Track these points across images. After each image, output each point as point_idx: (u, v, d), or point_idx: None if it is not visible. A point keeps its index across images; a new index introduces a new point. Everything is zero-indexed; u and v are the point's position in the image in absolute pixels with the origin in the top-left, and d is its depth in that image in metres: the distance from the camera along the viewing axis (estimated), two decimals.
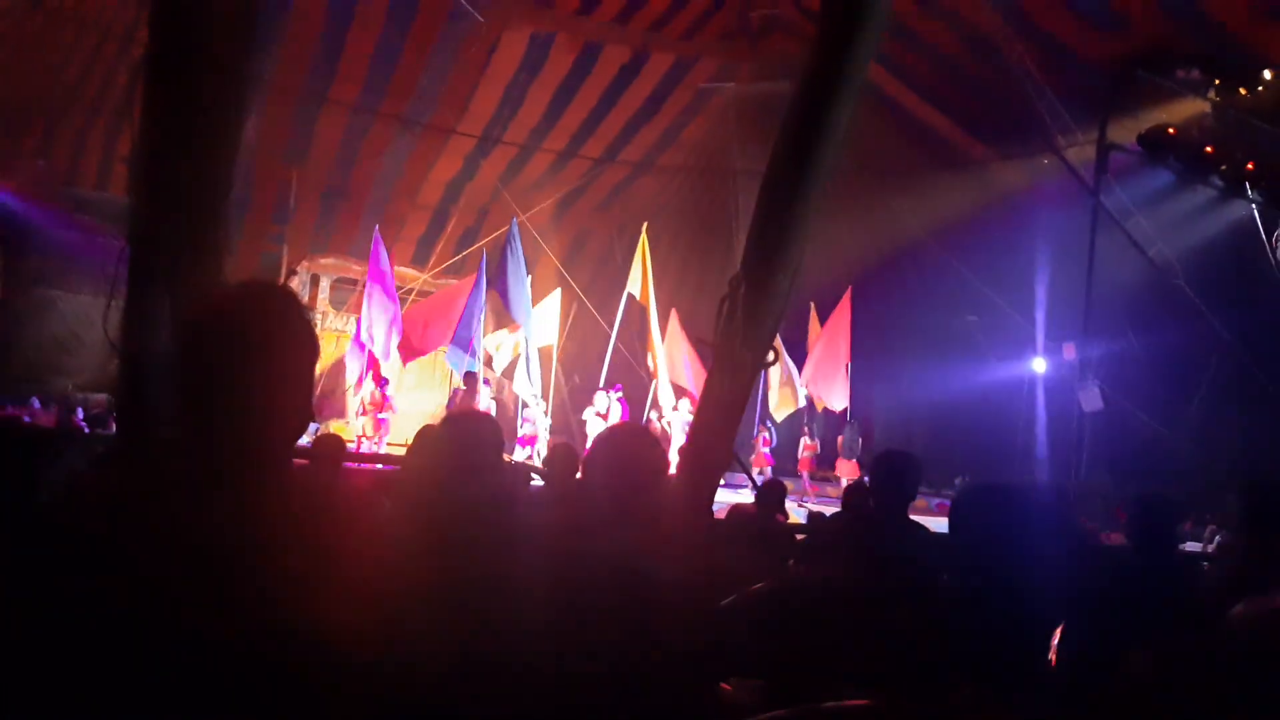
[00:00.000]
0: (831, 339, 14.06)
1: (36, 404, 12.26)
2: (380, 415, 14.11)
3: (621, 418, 14.17)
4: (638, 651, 1.76)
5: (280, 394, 1.30)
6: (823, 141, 3.80)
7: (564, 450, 4.76)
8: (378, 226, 14.05)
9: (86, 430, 9.21)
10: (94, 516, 1.24)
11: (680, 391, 14.27)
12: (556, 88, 15.27)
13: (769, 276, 3.88)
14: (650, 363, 14.09)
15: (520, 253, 13.56)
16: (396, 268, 16.66)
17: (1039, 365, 14.82)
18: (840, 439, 15.35)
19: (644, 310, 14.09)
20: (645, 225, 14.48)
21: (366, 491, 3.72)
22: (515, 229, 13.61)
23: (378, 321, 13.57)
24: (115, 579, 1.14)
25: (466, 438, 2.22)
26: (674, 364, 14.24)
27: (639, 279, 14.04)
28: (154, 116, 2.78)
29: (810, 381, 14.44)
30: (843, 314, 14.02)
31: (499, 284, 13.39)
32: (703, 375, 14.35)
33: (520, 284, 13.45)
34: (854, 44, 3.75)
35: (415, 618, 1.48)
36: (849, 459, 15.12)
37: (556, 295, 14.71)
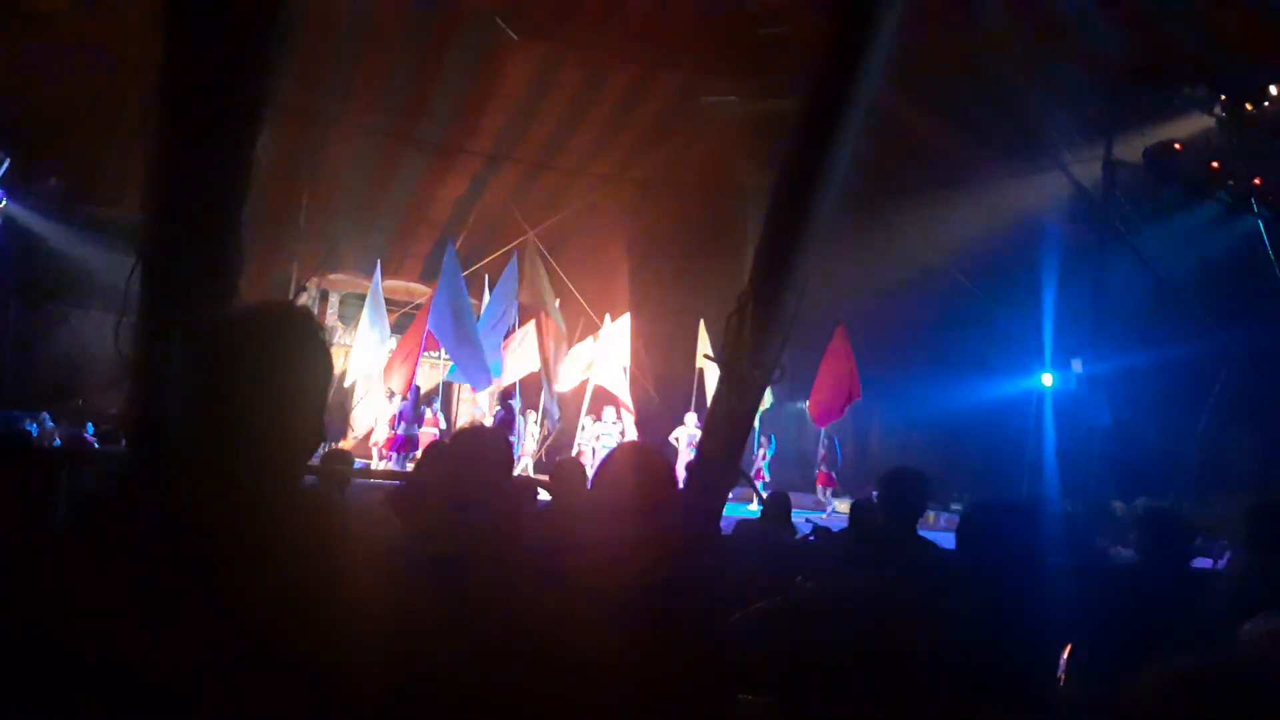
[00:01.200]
0: (833, 369, 13.84)
1: (48, 422, 12.29)
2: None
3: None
4: (646, 669, 1.75)
5: (293, 413, 1.31)
6: (830, 161, 3.81)
7: (571, 466, 4.75)
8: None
9: (97, 446, 9.23)
10: (109, 533, 1.24)
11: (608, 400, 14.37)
12: (565, 106, 15.35)
13: (777, 293, 3.88)
14: (542, 370, 14.18)
15: (455, 274, 13.50)
16: (405, 283, 16.79)
17: (1047, 380, 14.78)
18: (822, 453, 15.36)
19: (539, 318, 14.17)
20: (532, 232, 14.63)
21: (375, 507, 3.73)
22: (451, 250, 13.56)
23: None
24: (131, 595, 1.15)
25: (471, 453, 2.22)
26: (609, 370, 14.32)
27: (534, 286, 14.11)
28: (167, 134, 2.81)
29: (811, 403, 14.32)
30: (838, 347, 13.82)
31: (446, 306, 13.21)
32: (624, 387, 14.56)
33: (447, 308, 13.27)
34: (862, 65, 3.77)
35: (423, 633, 1.48)
36: (828, 470, 15.20)
37: (626, 320, 14.83)
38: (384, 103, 14.55)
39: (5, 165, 12.98)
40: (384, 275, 17.33)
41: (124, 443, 3.71)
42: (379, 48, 13.78)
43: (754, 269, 4.03)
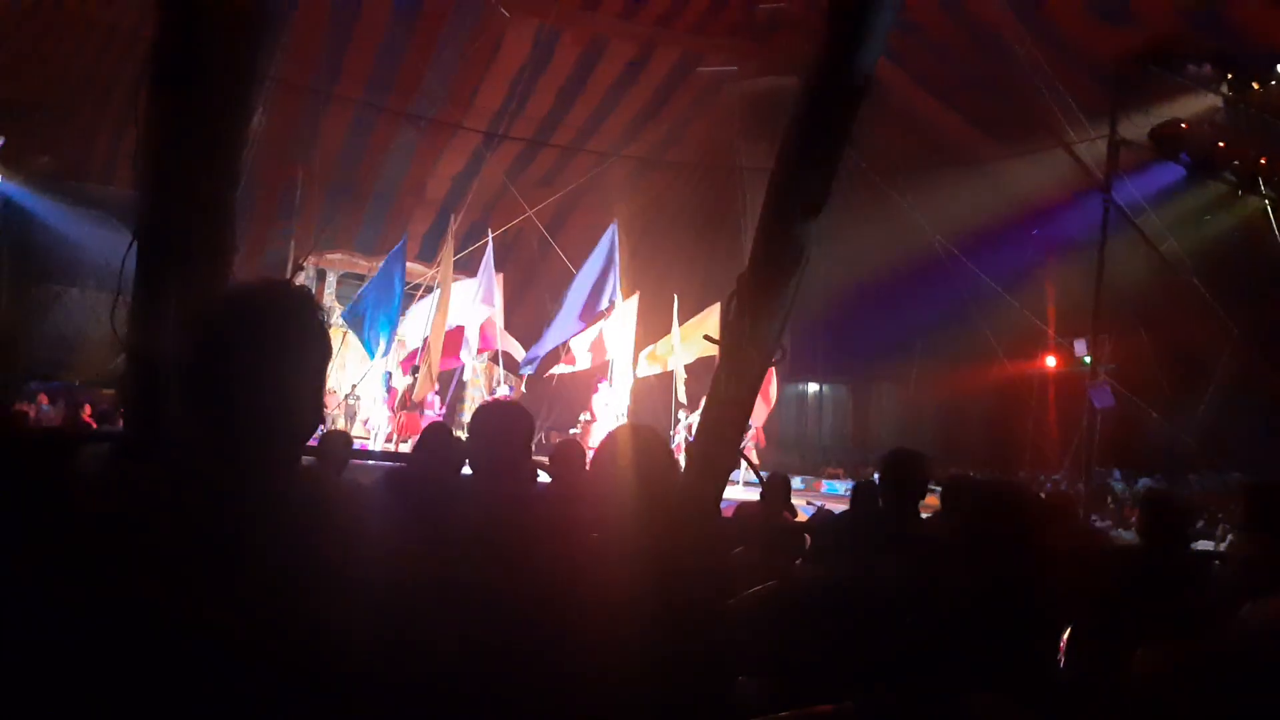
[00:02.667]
0: None
1: (45, 403, 12.31)
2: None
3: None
4: (646, 651, 1.75)
5: (293, 393, 1.30)
6: (831, 140, 3.77)
7: (571, 447, 4.73)
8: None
9: (94, 426, 9.25)
10: (108, 515, 1.24)
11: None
12: (563, 83, 15.25)
13: (776, 275, 3.86)
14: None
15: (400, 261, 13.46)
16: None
17: (1049, 361, 14.77)
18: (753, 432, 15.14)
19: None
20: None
21: (372, 488, 3.72)
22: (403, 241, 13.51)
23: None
24: (131, 577, 1.14)
25: (495, 430, 2.19)
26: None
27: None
28: (160, 112, 2.78)
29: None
30: None
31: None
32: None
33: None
34: (862, 41, 3.72)
35: (421, 612, 1.48)
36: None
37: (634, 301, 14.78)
38: (379, 78, 14.45)
39: None
40: (381, 254, 17.29)
41: (121, 422, 3.71)
42: (373, 22, 13.68)
43: (754, 249, 4.00)
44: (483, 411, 2.35)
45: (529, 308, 17.23)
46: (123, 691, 1.10)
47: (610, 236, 13.91)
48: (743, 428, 4.09)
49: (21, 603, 1.14)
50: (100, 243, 12.35)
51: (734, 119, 15.52)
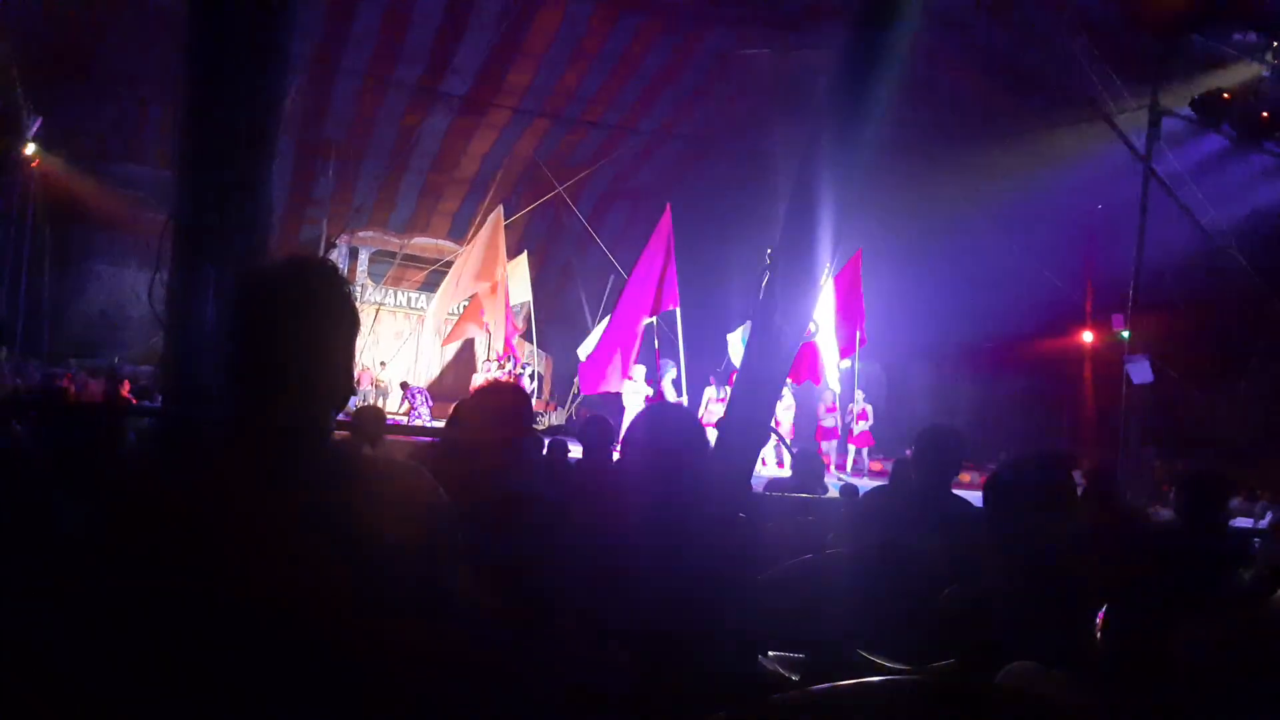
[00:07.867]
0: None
1: (86, 379, 12.55)
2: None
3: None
4: (679, 624, 1.76)
5: (324, 367, 1.32)
6: (864, 113, 3.73)
7: (599, 424, 4.75)
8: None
9: (134, 402, 9.41)
10: (147, 490, 1.26)
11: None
12: (593, 59, 15.15)
13: (808, 250, 3.84)
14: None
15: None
16: (434, 241, 16.77)
17: (1087, 337, 14.56)
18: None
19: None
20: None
21: (405, 460, 3.75)
22: None
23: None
24: (174, 543, 1.17)
25: (493, 408, 2.22)
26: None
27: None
28: (195, 92, 2.81)
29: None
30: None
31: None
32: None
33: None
34: (897, 12, 3.67)
35: (457, 580, 1.49)
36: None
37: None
38: (410, 56, 14.46)
39: (37, 124, 13.08)
40: (412, 233, 17.35)
41: (159, 397, 3.79)
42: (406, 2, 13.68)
43: (785, 224, 3.98)
44: (481, 393, 2.39)
45: (558, 286, 17.26)
46: (164, 652, 1.13)
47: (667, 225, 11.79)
48: (774, 402, 4.08)
49: (73, 564, 1.19)
50: (140, 222, 12.53)
51: (767, 93, 15.33)
